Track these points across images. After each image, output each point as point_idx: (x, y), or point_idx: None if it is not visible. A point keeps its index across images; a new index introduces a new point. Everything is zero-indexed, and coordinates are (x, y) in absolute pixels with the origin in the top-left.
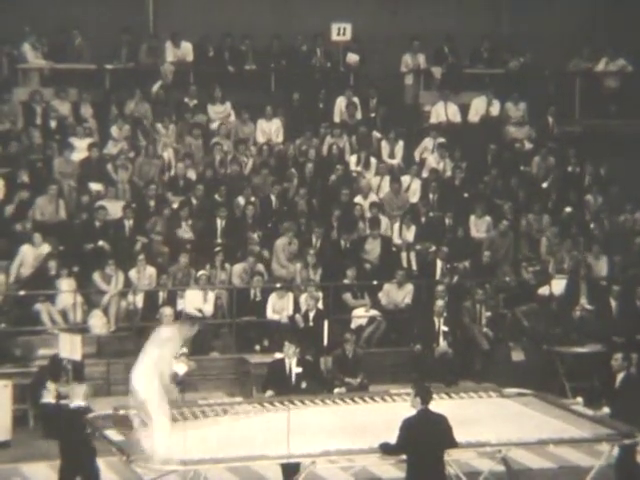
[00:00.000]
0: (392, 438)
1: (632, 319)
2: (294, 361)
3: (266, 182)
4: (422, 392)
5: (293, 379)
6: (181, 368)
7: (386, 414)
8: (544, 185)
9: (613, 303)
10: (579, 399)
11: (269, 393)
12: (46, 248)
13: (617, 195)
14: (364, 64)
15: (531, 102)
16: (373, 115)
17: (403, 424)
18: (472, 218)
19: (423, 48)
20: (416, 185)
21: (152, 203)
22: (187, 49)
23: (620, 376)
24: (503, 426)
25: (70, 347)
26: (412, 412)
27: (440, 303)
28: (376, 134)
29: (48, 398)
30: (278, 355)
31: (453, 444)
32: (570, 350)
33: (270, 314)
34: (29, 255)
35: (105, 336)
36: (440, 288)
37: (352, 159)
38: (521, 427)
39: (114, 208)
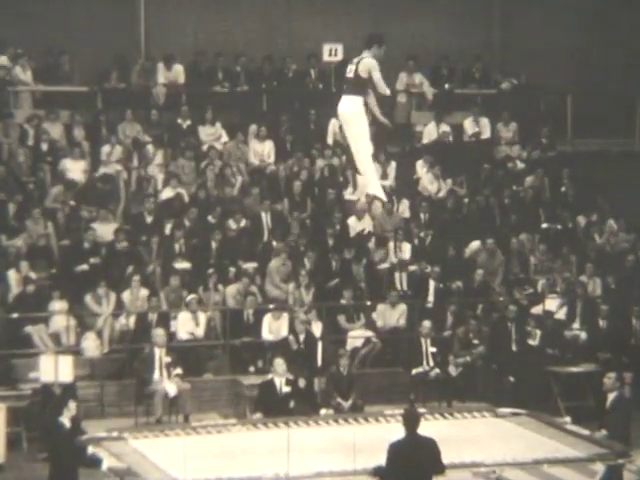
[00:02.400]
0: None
1: (627, 338)
2: (283, 380)
3: (258, 203)
4: (408, 417)
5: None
6: (172, 389)
7: (380, 435)
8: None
9: (605, 322)
10: (567, 418)
11: (257, 416)
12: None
13: (609, 215)
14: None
15: (523, 122)
16: None
17: (389, 448)
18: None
19: (420, 67)
20: (405, 204)
21: (145, 225)
22: (178, 71)
23: (611, 396)
24: (497, 446)
25: (55, 369)
26: (399, 436)
27: (427, 324)
28: None
29: (65, 418)
30: (269, 376)
31: (440, 469)
32: (564, 370)
33: (266, 335)
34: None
35: (98, 358)
36: None
37: (343, 180)
38: (515, 447)
39: (106, 230)
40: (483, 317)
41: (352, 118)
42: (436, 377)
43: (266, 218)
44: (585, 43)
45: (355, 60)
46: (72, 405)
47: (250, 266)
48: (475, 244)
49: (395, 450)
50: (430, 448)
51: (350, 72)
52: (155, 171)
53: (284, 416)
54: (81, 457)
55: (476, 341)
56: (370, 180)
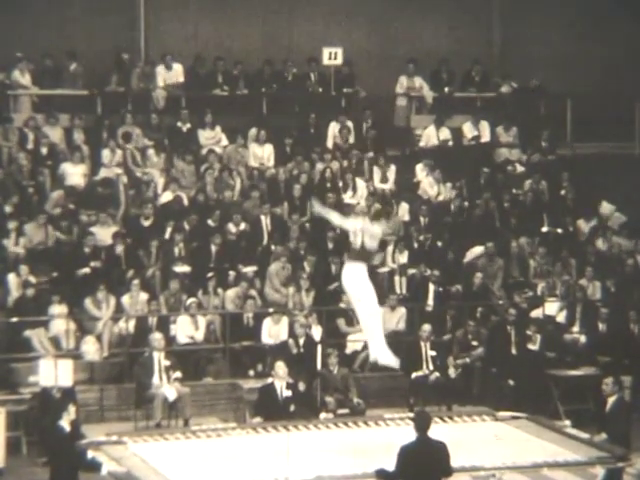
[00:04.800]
0: (386, 463)
1: (625, 342)
2: (284, 384)
3: (257, 206)
4: (419, 420)
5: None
6: (172, 393)
7: (380, 438)
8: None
9: (603, 326)
10: (567, 422)
11: (257, 420)
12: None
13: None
14: (356, 90)
15: (523, 125)
16: (366, 138)
17: (400, 451)
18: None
19: (419, 71)
20: (404, 208)
21: (144, 229)
22: (178, 71)
23: (611, 400)
24: (497, 449)
25: (55, 373)
26: (410, 438)
27: (426, 328)
28: (369, 158)
29: (64, 422)
30: (270, 380)
31: (448, 472)
32: (564, 373)
33: (265, 339)
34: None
35: (98, 362)
36: None
37: (342, 183)
38: (515, 450)
39: (106, 234)
40: (482, 320)
41: (355, 289)
42: (436, 381)
43: (266, 222)
44: (584, 46)
45: (360, 226)
46: (72, 409)
47: (250, 270)
48: (478, 249)
49: (406, 452)
50: (440, 451)
51: (356, 242)
52: (155, 175)
53: (284, 420)
54: (81, 461)
55: (475, 343)
56: (377, 346)
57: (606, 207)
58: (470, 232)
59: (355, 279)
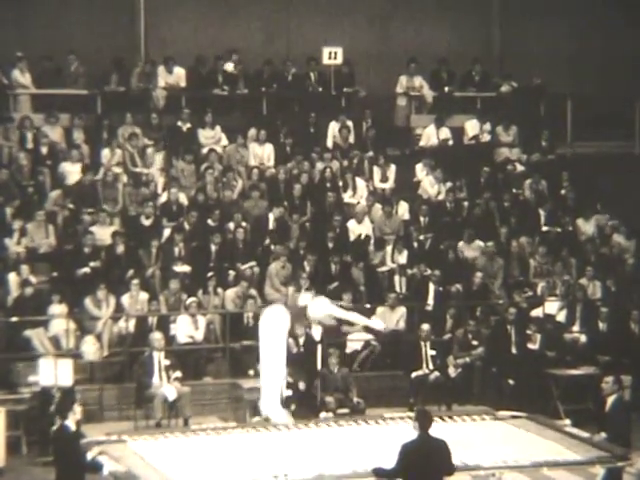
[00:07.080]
0: (387, 462)
1: (625, 341)
2: (284, 383)
3: (257, 206)
4: (421, 418)
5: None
6: (172, 392)
7: (380, 437)
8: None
9: (603, 325)
10: (567, 421)
11: (256, 419)
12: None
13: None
14: (356, 90)
15: (523, 125)
16: (366, 138)
17: (401, 449)
18: (461, 243)
19: (420, 70)
20: (404, 207)
21: (144, 229)
22: (180, 74)
23: (611, 399)
24: (497, 449)
25: (55, 373)
26: (411, 437)
27: (426, 327)
28: (369, 157)
29: (70, 421)
30: None
31: (451, 470)
32: (564, 372)
33: None
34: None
35: (98, 362)
36: None
37: (342, 183)
38: (515, 450)
39: (105, 234)
40: (482, 319)
41: (271, 336)
42: (436, 380)
43: (266, 221)
44: (584, 46)
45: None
46: (77, 408)
47: (248, 266)
48: (476, 244)
49: (407, 450)
50: (442, 449)
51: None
52: (155, 174)
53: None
54: (84, 462)
55: (475, 342)
56: (270, 403)
57: (597, 218)
58: (470, 231)
59: (277, 326)
